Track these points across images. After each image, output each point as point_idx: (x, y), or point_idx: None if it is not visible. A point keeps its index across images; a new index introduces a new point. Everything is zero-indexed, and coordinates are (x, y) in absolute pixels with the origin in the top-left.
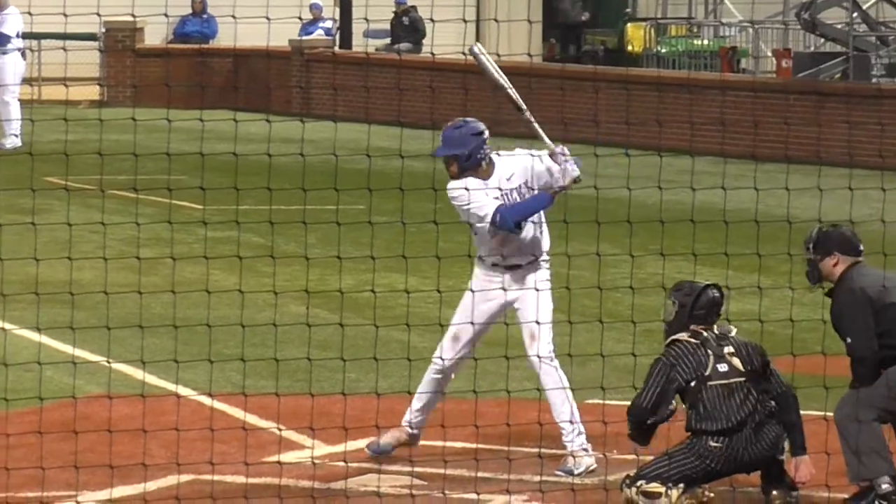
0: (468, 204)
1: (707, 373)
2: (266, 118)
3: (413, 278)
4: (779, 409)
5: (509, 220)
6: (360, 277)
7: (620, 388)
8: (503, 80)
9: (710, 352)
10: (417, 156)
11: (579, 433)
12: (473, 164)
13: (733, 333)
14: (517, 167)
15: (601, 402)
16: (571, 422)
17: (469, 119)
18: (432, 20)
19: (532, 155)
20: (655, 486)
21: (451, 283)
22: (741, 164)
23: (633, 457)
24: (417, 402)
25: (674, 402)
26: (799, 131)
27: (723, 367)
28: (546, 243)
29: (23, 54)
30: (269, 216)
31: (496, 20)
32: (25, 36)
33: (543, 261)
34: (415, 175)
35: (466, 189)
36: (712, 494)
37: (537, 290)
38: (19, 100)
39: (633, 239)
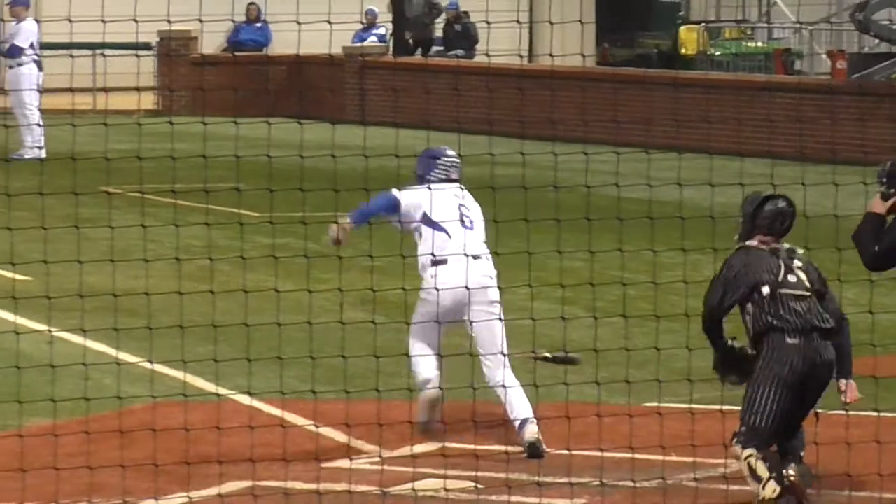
0: None
1: (780, 279)
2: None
3: None
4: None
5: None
6: (406, 282)
7: (678, 392)
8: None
9: (780, 261)
10: (475, 159)
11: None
12: (422, 185)
13: (800, 252)
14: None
15: (657, 403)
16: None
17: (441, 147)
18: (488, 23)
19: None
20: (761, 468)
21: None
22: (789, 165)
23: (690, 459)
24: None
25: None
26: (846, 131)
27: (792, 279)
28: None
29: (39, 65)
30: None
31: (551, 22)
32: (79, 46)
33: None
34: (469, 179)
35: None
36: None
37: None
38: (40, 109)
39: (685, 240)
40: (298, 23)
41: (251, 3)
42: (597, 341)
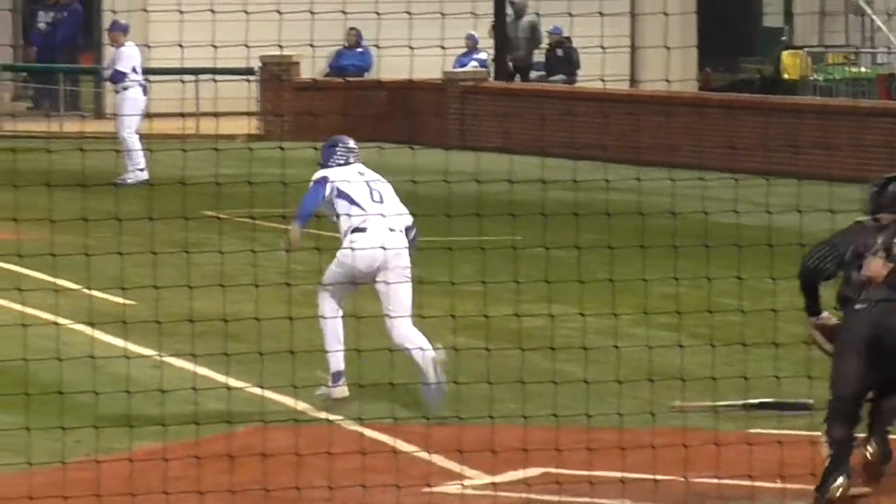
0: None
1: (872, 253)
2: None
3: (586, 307)
4: None
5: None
6: (518, 308)
7: (797, 420)
8: None
9: (881, 237)
10: (587, 185)
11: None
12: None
13: None
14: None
15: (776, 431)
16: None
17: (341, 136)
18: (603, 48)
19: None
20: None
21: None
22: None
23: (809, 487)
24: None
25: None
26: None
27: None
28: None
29: (144, 90)
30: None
31: (667, 47)
32: (184, 72)
33: None
34: (582, 205)
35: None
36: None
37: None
38: (138, 133)
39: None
40: (411, 48)
41: (351, 29)
42: (713, 369)
